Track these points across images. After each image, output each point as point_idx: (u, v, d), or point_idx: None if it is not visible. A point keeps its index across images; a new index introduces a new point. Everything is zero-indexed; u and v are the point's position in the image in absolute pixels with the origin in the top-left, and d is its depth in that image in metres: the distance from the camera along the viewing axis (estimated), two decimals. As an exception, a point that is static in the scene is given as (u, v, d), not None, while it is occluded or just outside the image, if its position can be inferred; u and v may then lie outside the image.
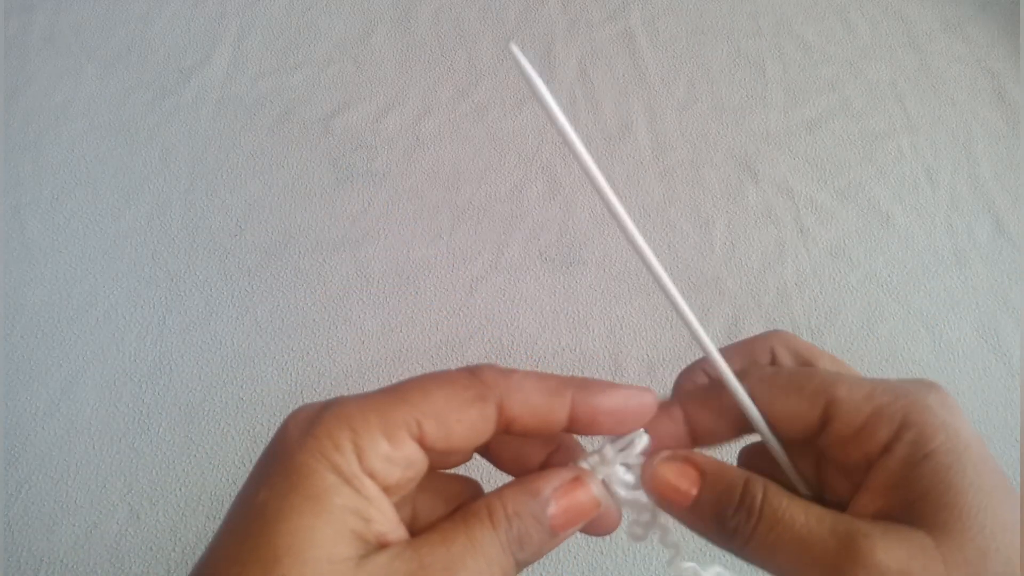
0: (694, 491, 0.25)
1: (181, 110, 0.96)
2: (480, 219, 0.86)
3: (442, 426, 0.23)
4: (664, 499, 0.26)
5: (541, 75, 0.22)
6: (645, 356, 0.76)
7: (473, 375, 0.24)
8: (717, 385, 0.27)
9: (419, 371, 0.79)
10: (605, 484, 0.26)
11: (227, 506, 0.22)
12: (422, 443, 0.23)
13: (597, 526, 0.26)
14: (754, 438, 0.28)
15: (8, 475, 0.71)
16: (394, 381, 0.24)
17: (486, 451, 0.27)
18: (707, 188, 0.88)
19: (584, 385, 0.25)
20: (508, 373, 0.24)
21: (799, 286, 0.81)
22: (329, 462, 0.21)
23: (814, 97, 0.95)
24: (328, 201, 0.88)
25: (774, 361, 0.28)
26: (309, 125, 0.94)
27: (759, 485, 0.24)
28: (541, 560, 0.74)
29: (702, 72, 0.98)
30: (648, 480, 0.26)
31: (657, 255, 0.25)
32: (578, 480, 0.25)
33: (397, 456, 0.22)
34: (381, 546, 0.22)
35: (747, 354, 0.29)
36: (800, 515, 0.23)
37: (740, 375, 0.26)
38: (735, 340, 0.29)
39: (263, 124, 0.94)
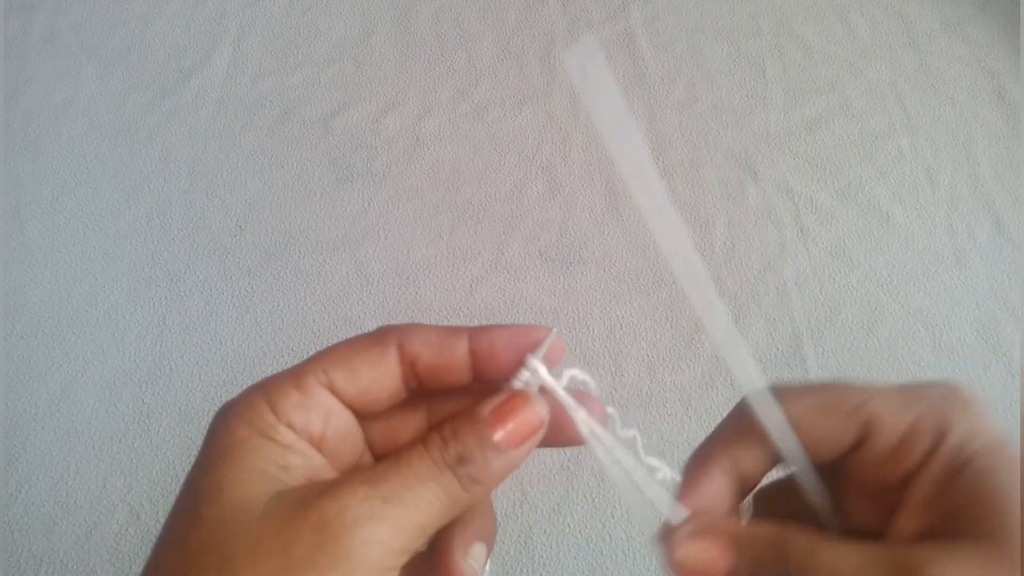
0: (725, 564, 0.24)
1: (181, 110, 0.96)
2: (480, 219, 0.86)
3: (348, 371, 0.24)
4: None
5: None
6: (645, 356, 0.76)
7: (376, 330, 0.26)
8: (741, 427, 0.26)
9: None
10: (547, 393, 0.25)
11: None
12: (334, 390, 0.24)
13: (557, 437, 0.26)
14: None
15: (8, 475, 0.71)
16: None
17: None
18: (707, 188, 0.88)
19: (482, 326, 0.26)
20: (409, 324, 0.26)
21: (799, 286, 0.81)
22: (243, 420, 0.23)
23: (814, 97, 0.95)
24: (328, 201, 0.88)
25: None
26: (309, 125, 0.94)
27: (795, 541, 0.23)
28: (541, 559, 0.74)
29: (702, 72, 0.98)
30: (673, 564, 0.24)
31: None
32: (516, 396, 0.25)
33: (310, 403, 0.23)
34: (314, 482, 0.23)
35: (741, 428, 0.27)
36: (847, 560, 0.22)
37: (769, 401, 0.25)
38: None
39: (263, 124, 0.94)
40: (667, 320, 0.78)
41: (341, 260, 0.84)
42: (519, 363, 0.25)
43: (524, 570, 0.66)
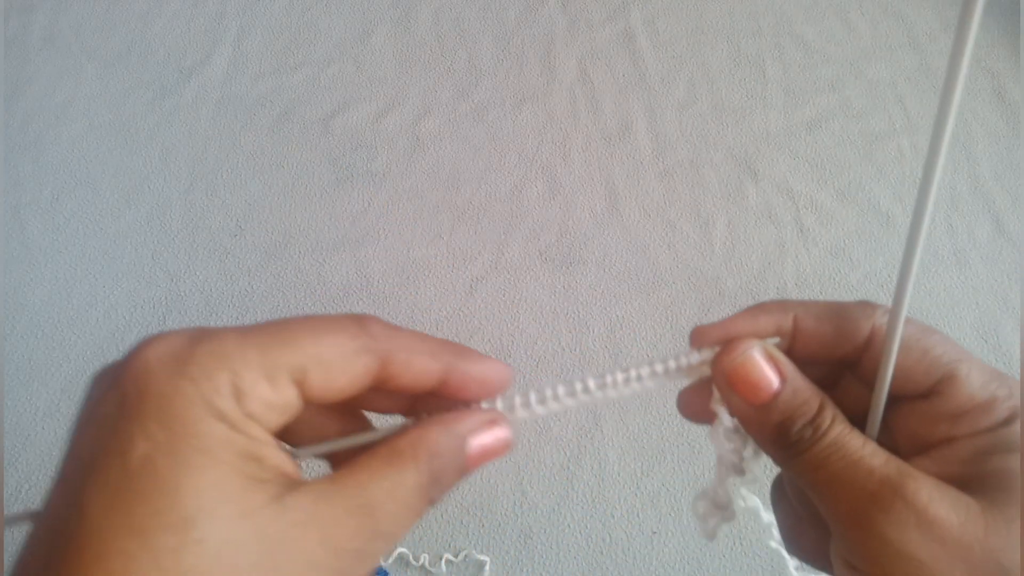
0: (771, 393, 0.25)
1: (181, 110, 0.96)
2: (480, 219, 0.86)
3: (327, 375, 0.22)
4: (735, 390, 0.25)
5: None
6: (645, 356, 0.76)
7: (361, 326, 0.23)
8: (836, 311, 0.27)
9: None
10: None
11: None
12: (302, 389, 0.22)
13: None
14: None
15: (8, 475, 0.71)
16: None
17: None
18: (707, 188, 0.88)
19: (458, 352, 0.25)
20: (395, 329, 0.24)
21: (799, 286, 0.81)
22: (212, 408, 0.20)
23: (814, 97, 0.95)
24: (328, 201, 0.88)
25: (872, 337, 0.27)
26: (309, 125, 0.94)
27: (832, 409, 0.25)
28: (541, 559, 0.74)
29: (702, 72, 0.98)
30: (728, 366, 0.25)
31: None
32: (495, 421, 0.25)
33: (277, 401, 0.21)
34: (286, 479, 0.21)
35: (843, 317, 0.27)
36: (858, 443, 0.23)
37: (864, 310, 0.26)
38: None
39: (263, 124, 0.94)
40: (667, 320, 0.78)
41: (341, 260, 0.84)
42: (495, 391, 0.26)
43: (524, 570, 0.66)
